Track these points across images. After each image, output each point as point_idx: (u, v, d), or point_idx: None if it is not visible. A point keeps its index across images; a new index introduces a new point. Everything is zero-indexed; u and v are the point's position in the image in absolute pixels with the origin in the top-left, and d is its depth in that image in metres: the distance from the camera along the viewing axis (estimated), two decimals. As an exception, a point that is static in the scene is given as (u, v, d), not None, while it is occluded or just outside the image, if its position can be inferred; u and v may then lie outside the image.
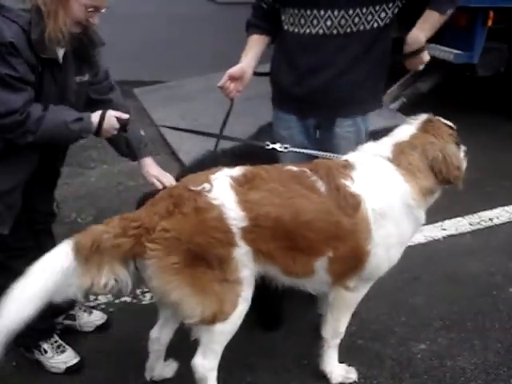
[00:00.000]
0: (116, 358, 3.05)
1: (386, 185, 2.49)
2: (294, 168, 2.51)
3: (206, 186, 2.31)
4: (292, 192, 2.39)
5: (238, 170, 2.42)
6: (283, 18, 2.92)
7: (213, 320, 2.35)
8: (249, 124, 5.53)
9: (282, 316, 3.30)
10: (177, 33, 8.11)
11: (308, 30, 2.82)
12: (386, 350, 3.11)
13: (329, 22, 2.76)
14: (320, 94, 2.89)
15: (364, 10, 2.74)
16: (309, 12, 2.78)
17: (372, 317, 3.31)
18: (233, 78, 2.93)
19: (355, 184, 2.44)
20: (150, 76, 8.03)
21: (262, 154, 3.12)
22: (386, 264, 2.60)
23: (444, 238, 4.25)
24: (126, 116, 2.67)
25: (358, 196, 2.41)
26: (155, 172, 2.95)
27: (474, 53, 5.96)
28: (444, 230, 4.34)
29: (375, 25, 2.79)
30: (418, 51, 2.78)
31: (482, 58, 5.97)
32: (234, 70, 2.93)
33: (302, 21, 2.82)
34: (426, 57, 2.84)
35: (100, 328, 3.28)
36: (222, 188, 2.32)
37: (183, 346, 2.55)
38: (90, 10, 2.48)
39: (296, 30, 2.86)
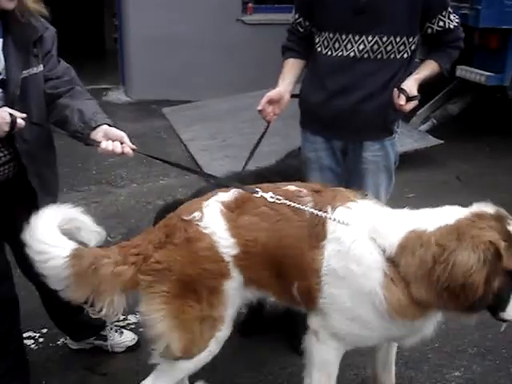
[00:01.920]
0: (143, 378, 3.02)
1: (362, 265, 2.15)
2: (292, 188, 2.38)
3: (197, 214, 2.25)
4: (280, 215, 2.26)
5: (230, 194, 2.34)
6: (317, 40, 2.94)
7: (179, 356, 2.28)
8: (277, 144, 5.55)
9: None
10: (205, 53, 8.18)
11: (340, 53, 2.85)
12: (420, 376, 3.05)
13: (361, 46, 2.80)
14: (347, 115, 2.89)
15: (398, 39, 2.79)
16: (344, 36, 2.82)
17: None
18: (271, 102, 2.92)
19: (337, 220, 2.20)
20: (179, 96, 8.09)
21: (290, 176, 3.11)
22: (348, 328, 2.27)
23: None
24: (20, 114, 2.38)
25: (327, 232, 2.21)
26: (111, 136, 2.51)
27: (506, 75, 5.93)
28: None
29: (405, 55, 2.85)
30: (410, 99, 2.79)
31: (513, 81, 5.92)
32: (273, 94, 2.93)
33: (337, 44, 2.85)
34: (415, 103, 2.85)
35: (130, 348, 3.27)
36: (212, 215, 2.26)
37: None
38: None
39: (329, 53, 2.89)
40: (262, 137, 3.07)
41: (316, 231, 2.23)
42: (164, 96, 8.14)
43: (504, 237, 2.03)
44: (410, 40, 2.83)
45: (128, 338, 3.28)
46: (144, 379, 2.95)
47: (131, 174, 5.73)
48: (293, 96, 3.14)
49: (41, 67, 2.61)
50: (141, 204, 5.11)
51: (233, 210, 2.27)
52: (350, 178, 3.07)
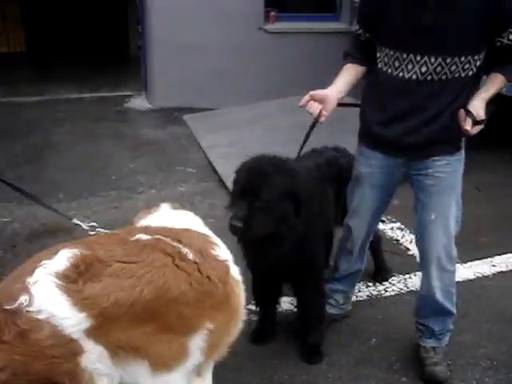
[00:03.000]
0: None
1: None
2: (144, 237, 2.13)
3: (23, 298, 1.81)
4: (150, 265, 2.01)
5: (64, 262, 1.91)
6: (378, 55, 2.85)
7: None
8: (295, 152, 5.57)
9: (320, 349, 3.26)
10: (227, 61, 8.21)
11: (401, 74, 2.73)
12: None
13: (424, 69, 2.68)
14: (407, 138, 2.80)
15: (463, 59, 2.65)
16: (405, 55, 2.70)
17: (417, 354, 3.21)
18: (314, 100, 2.88)
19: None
20: (201, 103, 8.13)
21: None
22: None
23: (494, 274, 4.13)
24: None
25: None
26: None
27: (527, 85, 5.84)
28: (494, 266, 4.22)
29: (470, 73, 2.70)
30: (476, 123, 2.65)
31: (535, 91, 5.83)
32: (316, 92, 2.88)
33: (397, 63, 2.74)
34: (481, 127, 2.69)
35: None
36: (45, 295, 1.83)
37: None
38: None
39: (389, 71, 2.78)
40: (310, 130, 2.99)
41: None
42: (186, 103, 8.18)
43: None
44: (476, 57, 2.67)
45: None
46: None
47: (150, 180, 5.77)
48: (347, 105, 3.11)
49: None
50: (159, 210, 5.14)
51: (74, 281, 1.88)
52: (417, 199, 2.99)
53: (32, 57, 11.62)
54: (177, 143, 6.96)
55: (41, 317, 1.80)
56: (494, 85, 2.76)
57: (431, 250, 2.96)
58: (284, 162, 2.89)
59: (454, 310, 3.10)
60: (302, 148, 3.07)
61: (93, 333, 1.87)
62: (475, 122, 2.64)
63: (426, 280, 3.03)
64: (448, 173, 2.86)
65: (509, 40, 2.65)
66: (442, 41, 2.63)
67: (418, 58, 2.67)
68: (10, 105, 8.08)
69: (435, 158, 2.83)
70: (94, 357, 1.90)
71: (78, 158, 6.25)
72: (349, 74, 2.99)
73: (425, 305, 3.10)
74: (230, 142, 6.68)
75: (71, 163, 6.09)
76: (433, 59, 2.65)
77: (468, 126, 2.63)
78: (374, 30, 2.84)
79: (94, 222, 4.65)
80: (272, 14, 8.50)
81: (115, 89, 9.46)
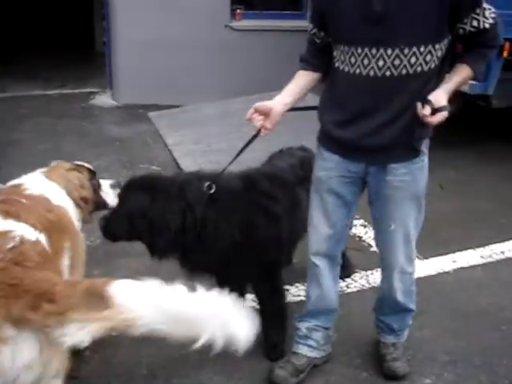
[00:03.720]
0: (114, 383, 3.03)
1: None
2: None
3: None
4: None
5: None
6: (335, 54, 2.67)
7: None
8: (261, 150, 5.54)
9: (281, 346, 3.25)
10: (193, 58, 8.18)
11: (358, 71, 2.55)
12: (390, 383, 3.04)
13: (381, 63, 2.49)
14: (367, 139, 2.63)
15: (422, 49, 2.44)
16: (359, 50, 2.51)
17: (377, 349, 3.23)
18: (259, 113, 2.73)
19: None
20: (165, 100, 8.09)
21: (278, 178, 3.16)
22: None
23: (454, 270, 4.17)
24: None
25: None
26: None
27: (489, 84, 5.91)
28: (454, 262, 4.26)
29: (433, 65, 2.50)
30: (436, 111, 2.45)
31: (496, 89, 5.91)
32: (259, 106, 2.73)
33: (353, 59, 2.55)
34: (443, 115, 2.48)
35: None
36: None
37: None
38: None
39: (346, 69, 2.60)
40: (247, 144, 2.91)
41: None
42: (151, 100, 8.14)
43: None
44: (437, 47, 2.46)
45: None
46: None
47: (114, 178, 5.64)
48: (302, 109, 2.97)
49: None
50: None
51: None
52: (372, 207, 2.87)
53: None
54: (141, 141, 6.91)
55: None
56: (457, 75, 2.57)
57: (391, 257, 2.88)
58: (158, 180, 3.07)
59: (414, 307, 3.09)
60: (235, 158, 2.95)
61: None
62: (435, 110, 2.43)
63: (387, 282, 2.99)
64: (408, 182, 2.70)
65: (472, 27, 2.46)
66: (396, 29, 2.42)
67: (374, 51, 2.47)
68: (-29, 102, 7.96)
69: (395, 165, 2.67)
70: None
71: (40, 156, 6.13)
72: (299, 84, 2.81)
73: (385, 304, 3.09)
74: (195, 140, 6.66)
75: (33, 161, 5.92)
76: (389, 51, 2.45)
77: (426, 111, 2.42)
78: (328, 26, 2.63)
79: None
80: (238, 11, 8.51)
81: (80, 85, 9.35)
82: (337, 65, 2.67)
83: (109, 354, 3.23)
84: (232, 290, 3.28)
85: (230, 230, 2.89)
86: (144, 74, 8.18)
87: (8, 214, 2.42)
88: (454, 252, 4.37)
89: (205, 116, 7.56)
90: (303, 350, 3.07)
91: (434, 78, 2.55)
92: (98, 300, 2.04)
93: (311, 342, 3.07)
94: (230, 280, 3.22)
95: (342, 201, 2.83)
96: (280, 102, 2.75)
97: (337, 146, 2.76)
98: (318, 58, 2.79)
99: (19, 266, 2.15)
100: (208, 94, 8.01)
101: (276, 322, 3.20)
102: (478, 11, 2.44)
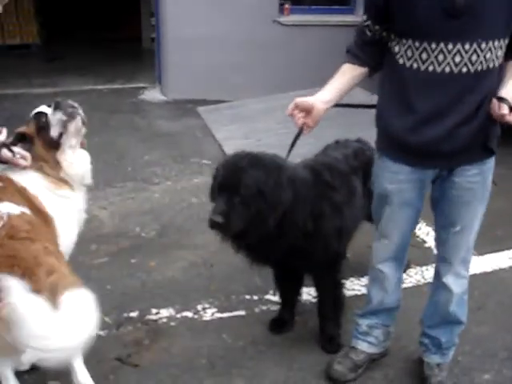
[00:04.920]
0: (174, 371, 3.09)
1: None
2: None
3: None
4: None
5: None
6: (397, 49, 2.49)
7: None
8: (311, 145, 5.56)
9: (337, 339, 3.27)
10: (241, 53, 8.22)
11: (431, 67, 2.39)
12: (450, 379, 3.01)
13: (458, 58, 2.34)
14: (442, 142, 2.48)
15: (496, 44, 2.35)
16: (434, 45, 2.35)
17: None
18: (300, 109, 2.63)
19: None
20: (213, 95, 8.15)
21: (334, 168, 3.12)
22: None
23: (510, 267, 4.12)
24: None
25: None
26: None
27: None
28: (510, 258, 4.22)
29: (500, 61, 2.42)
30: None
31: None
32: (300, 102, 2.62)
33: (424, 55, 2.39)
34: None
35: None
36: None
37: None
38: None
39: (415, 66, 2.43)
40: (294, 142, 2.84)
41: None
42: (200, 95, 8.20)
43: None
44: (505, 42, 2.39)
45: None
46: (176, 373, 3.05)
47: (166, 172, 5.80)
48: (356, 106, 2.91)
49: None
50: (174, 201, 5.16)
51: None
52: (437, 207, 2.75)
53: (45, 48, 11.66)
54: (191, 135, 6.98)
55: None
56: None
57: (451, 258, 2.77)
58: (262, 157, 2.79)
59: (465, 320, 2.95)
60: (288, 155, 2.89)
61: None
62: (511, 108, 2.32)
63: (440, 286, 2.86)
64: (478, 183, 2.59)
65: None
66: (476, 23, 2.30)
67: (450, 46, 2.33)
68: (25, 96, 8.09)
69: (466, 166, 2.55)
70: None
71: (93, 149, 6.17)
72: (343, 80, 2.65)
73: (435, 312, 2.95)
74: (244, 134, 6.70)
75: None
76: (467, 46, 2.32)
77: (505, 110, 2.30)
78: (390, 21, 2.45)
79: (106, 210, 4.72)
80: (286, 6, 8.50)
81: (129, 81, 9.49)
82: (401, 61, 2.48)
83: (168, 343, 3.30)
84: (290, 282, 3.35)
85: (303, 219, 2.84)
86: (192, 70, 8.25)
87: None
88: (509, 249, 4.33)
89: (252, 111, 7.58)
90: (363, 346, 3.06)
91: (498, 75, 2.46)
92: (52, 298, 2.14)
93: (371, 339, 3.05)
94: (292, 271, 3.25)
95: (414, 209, 2.74)
96: (321, 99, 2.62)
97: (408, 155, 2.59)
98: (366, 51, 2.62)
99: (13, 239, 2.35)
100: (256, 89, 8.05)
101: (333, 315, 3.22)
102: None
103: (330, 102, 2.64)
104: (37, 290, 2.16)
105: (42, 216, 2.67)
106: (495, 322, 3.49)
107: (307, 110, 2.62)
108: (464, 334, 3.26)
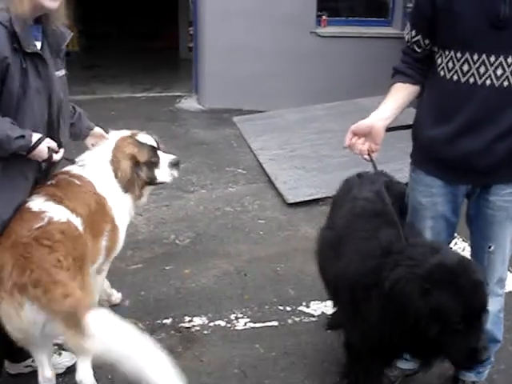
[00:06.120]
0: (205, 380, 3.10)
1: None
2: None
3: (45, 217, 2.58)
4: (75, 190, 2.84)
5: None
6: (439, 61, 2.48)
7: None
8: (346, 156, 5.55)
9: None
10: (278, 64, 8.24)
11: (472, 80, 2.37)
12: (485, 398, 2.99)
13: (499, 71, 2.32)
14: (477, 156, 2.43)
15: None
16: (476, 57, 2.33)
17: None
18: (358, 135, 2.53)
19: None
20: (250, 105, 8.20)
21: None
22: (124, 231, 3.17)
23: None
24: (58, 151, 2.71)
25: None
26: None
27: None
28: (548, 276, 4.14)
29: None
30: None
31: None
32: (357, 128, 2.52)
33: (465, 67, 2.37)
34: None
35: (69, 369, 3.04)
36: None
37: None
38: None
39: (455, 78, 2.41)
40: (374, 167, 2.64)
41: None
42: (236, 105, 8.26)
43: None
44: None
45: (67, 358, 3.07)
46: (208, 381, 3.06)
47: (201, 180, 5.84)
48: (396, 128, 2.73)
49: (63, 71, 2.80)
50: (209, 210, 5.20)
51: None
52: (471, 226, 2.71)
53: (84, 56, 11.86)
54: (227, 144, 7.02)
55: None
56: None
57: (486, 277, 2.58)
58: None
59: (501, 338, 2.88)
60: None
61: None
62: None
63: None
64: None
65: None
66: None
67: (492, 58, 2.30)
68: (65, 103, 8.26)
69: (501, 185, 2.51)
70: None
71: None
72: (398, 97, 2.59)
73: None
74: (279, 145, 6.71)
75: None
76: (510, 59, 2.29)
77: None
78: (437, 32, 2.44)
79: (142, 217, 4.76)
80: (324, 17, 8.51)
81: (166, 89, 9.60)
82: (442, 73, 2.47)
83: (200, 351, 3.31)
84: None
85: None
86: (229, 79, 8.31)
87: (50, 197, 2.70)
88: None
89: (287, 122, 7.60)
90: (397, 361, 3.00)
91: None
92: (75, 321, 2.29)
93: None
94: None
95: (448, 223, 2.69)
96: (379, 117, 2.54)
97: (441, 168, 2.56)
98: (417, 69, 2.59)
99: (37, 242, 2.47)
100: (291, 100, 8.06)
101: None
102: None
103: (389, 119, 2.55)
104: (56, 311, 2.34)
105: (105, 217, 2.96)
106: (532, 340, 3.43)
107: (365, 134, 2.52)
108: (500, 353, 3.21)
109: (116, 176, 3.06)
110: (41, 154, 2.59)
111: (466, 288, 2.19)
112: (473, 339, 2.20)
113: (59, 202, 2.69)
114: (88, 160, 3.07)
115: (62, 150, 2.73)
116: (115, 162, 3.07)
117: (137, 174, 3.13)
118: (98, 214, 2.89)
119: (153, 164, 3.19)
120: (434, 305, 2.16)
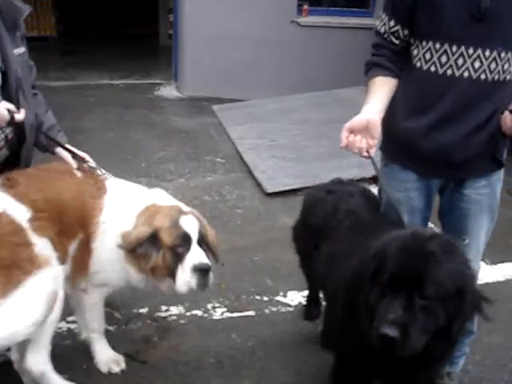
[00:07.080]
0: (182, 369, 3.09)
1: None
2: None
3: None
4: (50, 176, 2.68)
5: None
6: (415, 53, 2.45)
7: None
8: (325, 147, 5.55)
9: None
10: (258, 53, 8.22)
11: (450, 71, 2.36)
12: (460, 388, 3.01)
13: (477, 64, 2.32)
14: (452, 150, 2.44)
15: None
16: (455, 48, 2.32)
17: None
18: (354, 133, 2.41)
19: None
20: (229, 94, 8.17)
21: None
22: (110, 276, 2.78)
23: (523, 277, 4.10)
24: (18, 112, 2.53)
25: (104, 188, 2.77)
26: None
27: None
28: (523, 268, 4.19)
29: None
30: None
31: None
32: (352, 125, 2.40)
33: (444, 58, 2.36)
34: None
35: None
36: None
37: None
38: None
39: (433, 69, 2.39)
40: (377, 171, 2.57)
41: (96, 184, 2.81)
42: (215, 93, 8.23)
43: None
44: None
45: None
46: (184, 371, 3.04)
47: (179, 169, 5.80)
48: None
49: (23, 48, 2.68)
50: (187, 199, 5.12)
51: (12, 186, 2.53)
52: (445, 220, 2.69)
53: (62, 42, 11.71)
54: (206, 133, 6.99)
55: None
56: None
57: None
58: (456, 245, 2.16)
59: (475, 329, 2.84)
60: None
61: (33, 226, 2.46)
62: None
63: None
64: (486, 195, 2.56)
65: None
66: (499, 29, 2.28)
67: (471, 51, 2.30)
68: (41, 89, 8.03)
69: (476, 178, 2.52)
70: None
71: (107, 144, 6.29)
72: (384, 92, 2.50)
73: None
74: (258, 134, 6.70)
75: (101, 149, 6.10)
76: (487, 52, 2.30)
77: None
78: (417, 21, 2.39)
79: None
80: (305, 7, 8.50)
81: (145, 77, 9.53)
82: (418, 65, 2.44)
83: (177, 341, 3.30)
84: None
85: None
86: (209, 68, 8.27)
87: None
88: (523, 258, 4.29)
89: (267, 111, 7.58)
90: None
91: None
92: None
93: None
94: None
95: (421, 217, 2.66)
96: (374, 110, 2.43)
97: (417, 161, 2.53)
98: (396, 62, 2.52)
99: None
100: (271, 89, 8.06)
101: None
102: None
103: (382, 112, 2.46)
104: None
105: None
106: (506, 331, 3.45)
107: (362, 130, 2.40)
108: (475, 344, 3.23)
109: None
110: (2, 118, 2.45)
111: (402, 252, 2.01)
112: (387, 309, 1.96)
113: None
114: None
115: (22, 110, 2.55)
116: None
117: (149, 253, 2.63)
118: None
119: (177, 256, 2.62)
120: (373, 267, 2.05)
